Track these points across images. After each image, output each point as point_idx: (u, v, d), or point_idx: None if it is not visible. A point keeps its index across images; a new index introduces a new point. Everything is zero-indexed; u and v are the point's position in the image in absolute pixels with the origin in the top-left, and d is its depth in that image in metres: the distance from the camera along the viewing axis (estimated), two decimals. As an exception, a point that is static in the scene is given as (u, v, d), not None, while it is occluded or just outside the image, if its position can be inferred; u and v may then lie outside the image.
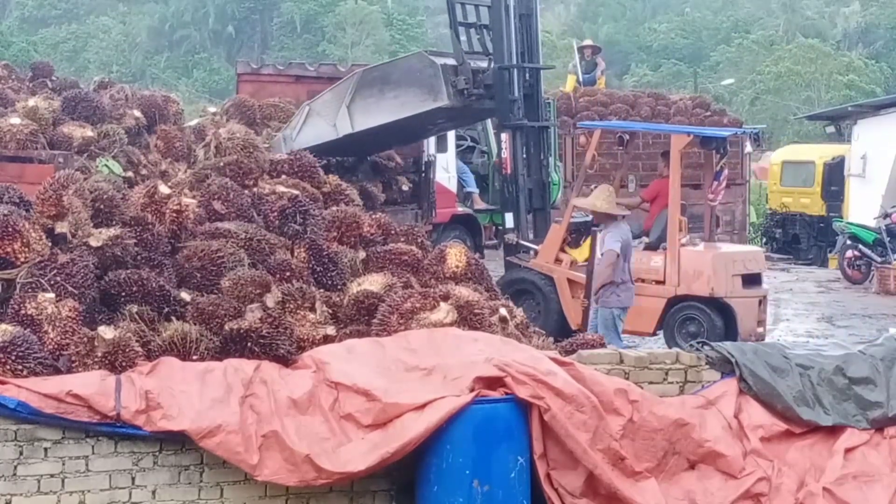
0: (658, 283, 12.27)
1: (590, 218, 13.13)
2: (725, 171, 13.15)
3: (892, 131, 21.64)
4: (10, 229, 7.83)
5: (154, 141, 11.15)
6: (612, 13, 71.71)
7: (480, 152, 19.47)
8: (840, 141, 26.38)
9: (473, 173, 18.92)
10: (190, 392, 7.54)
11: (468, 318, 8.75)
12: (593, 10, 72.94)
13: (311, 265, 9.15)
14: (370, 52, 56.54)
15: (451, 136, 17.60)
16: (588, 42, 26.37)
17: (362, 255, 9.61)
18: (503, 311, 9.19)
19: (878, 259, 18.83)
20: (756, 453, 8.64)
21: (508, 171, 13.59)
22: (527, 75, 13.58)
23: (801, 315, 15.48)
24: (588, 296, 11.56)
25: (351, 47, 59.18)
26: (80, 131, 10.51)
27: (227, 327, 8.09)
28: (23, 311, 7.64)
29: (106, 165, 10.26)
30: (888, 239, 18.93)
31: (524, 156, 13.56)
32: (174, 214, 8.97)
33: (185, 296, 8.33)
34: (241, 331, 8.04)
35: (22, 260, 7.86)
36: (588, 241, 12.76)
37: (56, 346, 7.62)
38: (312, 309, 8.53)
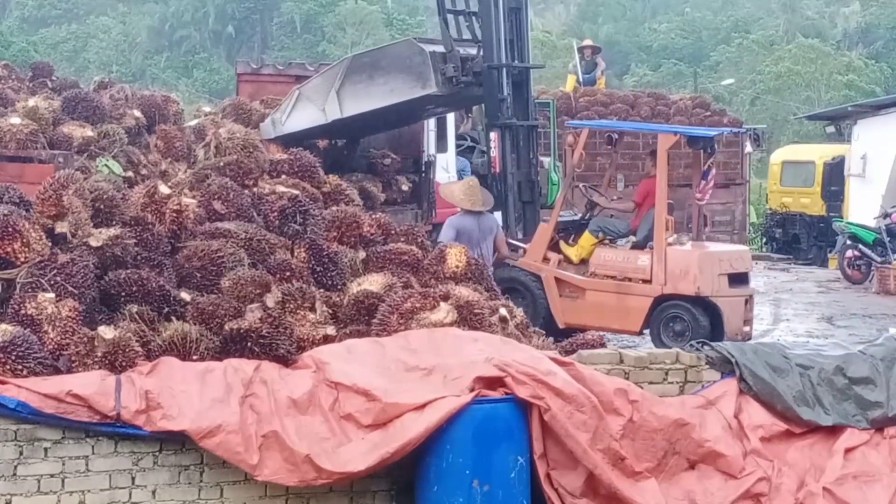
0: (645, 281, 12.27)
1: (577, 216, 13.16)
2: (713, 171, 13.14)
3: (892, 131, 21.63)
4: (10, 229, 7.83)
5: (154, 141, 11.15)
6: (612, 13, 71.70)
7: (480, 152, 19.44)
8: (840, 141, 26.36)
9: (473, 173, 18.90)
10: (190, 392, 7.54)
11: (468, 318, 8.75)
12: (593, 10, 72.92)
13: (311, 265, 9.15)
14: (370, 52, 56.43)
15: (451, 136, 17.58)
16: (588, 42, 26.36)
17: (362, 255, 9.61)
18: (503, 311, 9.19)
19: (878, 259, 18.82)
20: (756, 453, 8.64)
21: (497, 170, 13.66)
22: (515, 71, 13.64)
23: (801, 315, 15.48)
24: None
25: (351, 47, 59.05)
26: (80, 131, 10.51)
27: (227, 327, 8.09)
28: (23, 311, 7.64)
29: (106, 165, 10.26)
30: (888, 239, 18.92)
31: (513, 154, 13.62)
32: (174, 214, 8.97)
33: (185, 296, 8.33)
34: (241, 331, 8.04)
35: (22, 260, 7.86)
36: (586, 239, 12.78)
37: (56, 346, 7.62)
38: (312, 309, 8.53)
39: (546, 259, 12.85)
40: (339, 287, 9.13)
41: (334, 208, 10.14)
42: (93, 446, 7.40)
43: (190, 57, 64.44)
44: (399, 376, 7.96)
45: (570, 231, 13.13)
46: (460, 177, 18.34)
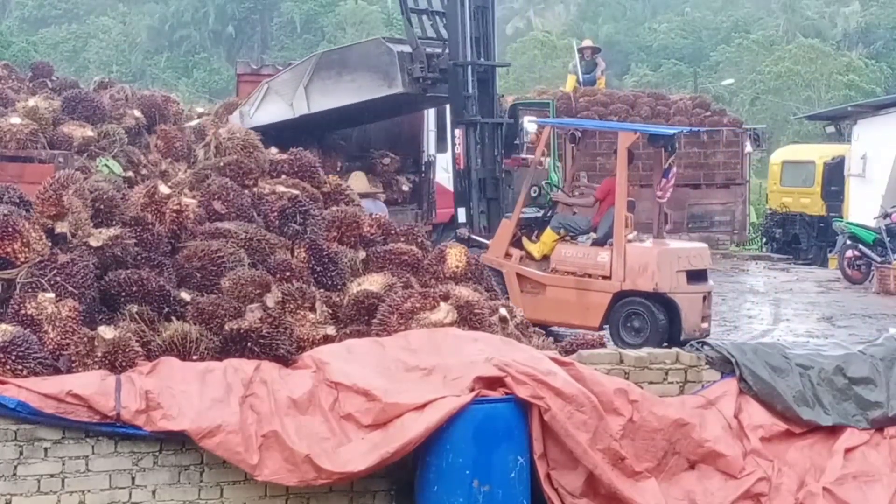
0: (604, 278, 12.28)
1: (540, 214, 13.17)
2: (674, 169, 13.15)
3: (892, 131, 21.60)
4: (10, 229, 7.83)
5: (154, 141, 11.16)
6: (612, 13, 71.66)
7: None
8: (840, 141, 26.33)
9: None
10: (190, 392, 7.54)
11: (468, 318, 8.75)
12: (593, 10, 72.88)
13: (311, 265, 9.15)
14: (370, 52, 56.42)
15: (450, 136, 17.60)
16: (588, 42, 26.33)
17: (362, 255, 9.61)
18: (503, 311, 9.19)
19: (878, 259, 18.79)
20: (756, 453, 8.64)
21: (461, 167, 13.76)
22: (480, 69, 13.73)
23: (801, 315, 15.44)
24: None
25: (351, 48, 59.10)
26: (80, 131, 10.51)
27: (227, 327, 8.09)
28: (23, 311, 7.65)
29: (106, 165, 10.26)
30: (888, 239, 18.89)
31: (478, 151, 13.70)
32: (174, 214, 8.97)
33: (185, 296, 8.33)
34: (241, 331, 8.04)
35: (22, 260, 7.87)
36: (547, 236, 12.79)
37: (56, 346, 7.63)
38: (312, 309, 8.53)
39: (508, 255, 12.85)
40: (339, 287, 9.13)
41: (334, 208, 10.14)
42: (93, 446, 7.41)
43: (190, 57, 64.42)
44: (399, 376, 7.96)
45: (532, 228, 13.15)
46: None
